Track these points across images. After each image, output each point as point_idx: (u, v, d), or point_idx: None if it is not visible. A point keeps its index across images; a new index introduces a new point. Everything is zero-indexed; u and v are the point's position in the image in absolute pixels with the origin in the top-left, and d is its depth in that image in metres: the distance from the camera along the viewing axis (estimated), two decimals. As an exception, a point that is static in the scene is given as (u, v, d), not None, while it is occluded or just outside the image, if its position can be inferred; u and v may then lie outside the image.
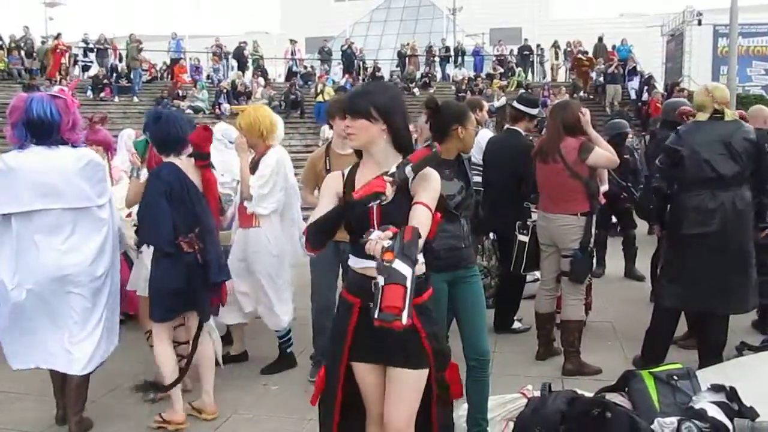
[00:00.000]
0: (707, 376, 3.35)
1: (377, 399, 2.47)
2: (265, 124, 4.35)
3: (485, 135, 5.53)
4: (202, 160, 3.63)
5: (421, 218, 2.27)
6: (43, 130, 3.24)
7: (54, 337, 3.38)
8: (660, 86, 20.98)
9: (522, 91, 18.68)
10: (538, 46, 25.26)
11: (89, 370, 3.49)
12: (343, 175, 2.50)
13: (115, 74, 21.16)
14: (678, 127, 4.39)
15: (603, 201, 5.24)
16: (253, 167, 4.35)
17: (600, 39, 23.53)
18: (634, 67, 20.86)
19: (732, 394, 3.00)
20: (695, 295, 4.20)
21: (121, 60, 21.86)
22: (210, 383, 3.83)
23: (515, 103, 5.26)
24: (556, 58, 24.18)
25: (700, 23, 23.61)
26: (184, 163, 3.62)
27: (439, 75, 24.72)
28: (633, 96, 20.49)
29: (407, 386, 2.39)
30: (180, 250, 3.51)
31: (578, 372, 4.39)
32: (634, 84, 20.65)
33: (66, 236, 3.31)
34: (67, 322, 3.38)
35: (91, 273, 3.40)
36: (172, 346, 3.75)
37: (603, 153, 4.28)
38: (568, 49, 23.71)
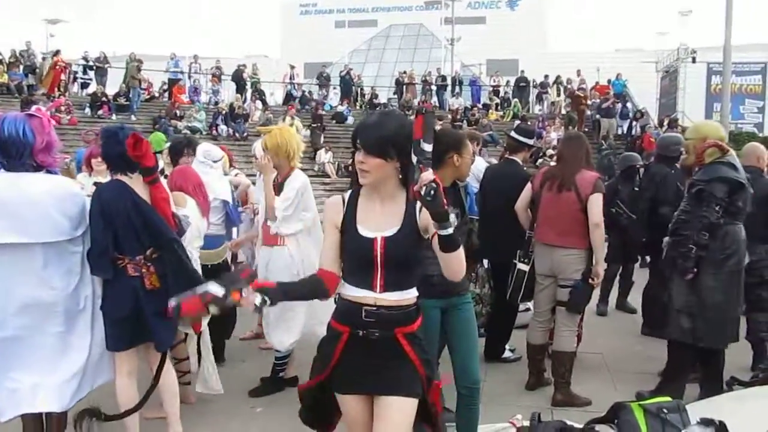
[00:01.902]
0: (697, 410, 3.34)
1: (364, 426, 2.45)
2: (292, 146, 4.37)
3: (480, 164, 5.58)
4: (147, 174, 3.34)
5: None
6: (14, 151, 3.02)
7: (34, 374, 3.10)
8: (654, 121, 21.21)
9: (518, 122, 18.86)
10: (547, 77, 25.16)
11: (73, 404, 3.25)
12: (343, 202, 2.45)
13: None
14: (726, 160, 4.24)
15: None
16: (278, 189, 4.37)
17: (578, 72, 23.94)
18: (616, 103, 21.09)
19: (721, 428, 2.98)
20: (735, 328, 4.32)
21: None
22: (175, 415, 3.61)
23: (513, 134, 5.30)
24: (558, 94, 24.12)
25: (694, 61, 24.05)
26: (135, 180, 3.35)
27: (435, 103, 24.90)
28: (619, 132, 20.69)
29: (400, 414, 2.36)
30: (125, 275, 3.29)
31: (568, 403, 4.37)
32: (620, 121, 20.90)
33: (39, 268, 3.07)
34: (46, 354, 3.13)
35: (70, 301, 3.18)
36: (133, 378, 3.46)
37: (599, 217, 4.30)
38: (570, 86, 23.77)
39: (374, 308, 2.34)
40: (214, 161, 5.02)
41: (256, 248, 4.89)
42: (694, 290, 4.28)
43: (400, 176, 2.35)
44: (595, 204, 4.28)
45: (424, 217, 2.31)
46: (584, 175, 4.35)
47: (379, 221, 2.36)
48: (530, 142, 5.25)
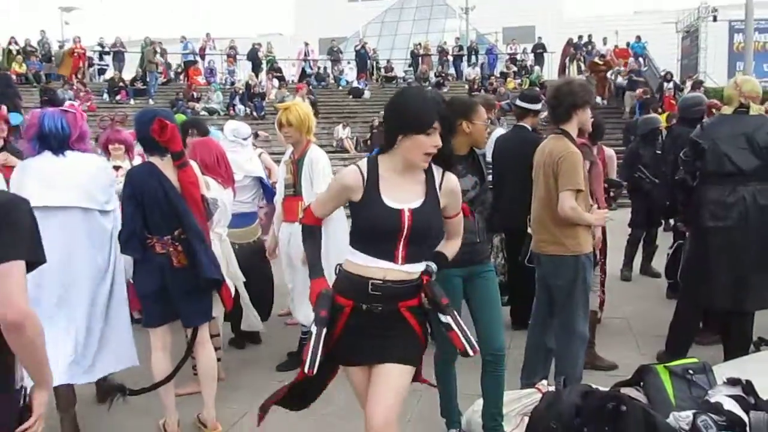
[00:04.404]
0: (723, 371, 3.34)
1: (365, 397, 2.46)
2: (312, 119, 4.42)
3: (498, 134, 5.54)
4: (176, 159, 3.45)
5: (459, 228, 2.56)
6: (54, 142, 3.41)
7: (66, 344, 3.31)
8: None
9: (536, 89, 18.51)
10: (581, 37, 24.07)
11: (97, 377, 3.48)
12: (362, 174, 2.40)
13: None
14: (703, 120, 4.37)
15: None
16: (296, 164, 4.40)
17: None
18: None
19: (748, 387, 2.98)
20: (714, 291, 4.19)
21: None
22: (211, 396, 3.66)
23: (517, 101, 5.32)
24: (579, 72, 22.36)
25: (715, 19, 23.45)
26: (165, 163, 3.46)
27: (452, 73, 24.60)
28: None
29: (398, 381, 2.38)
30: (153, 252, 3.41)
31: (591, 365, 4.39)
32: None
33: (74, 237, 3.35)
34: (77, 326, 3.36)
35: (98, 277, 3.40)
36: (167, 353, 3.56)
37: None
38: (581, 53, 23.05)
39: (381, 282, 2.34)
40: (244, 138, 4.98)
41: (274, 225, 4.89)
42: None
43: None
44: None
45: (444, 195, 2.42)
46: None
47: (403, 193, 2.36)
48: (535, 107, 5.21)
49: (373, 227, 2.37)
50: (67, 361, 3.30)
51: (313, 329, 2.35)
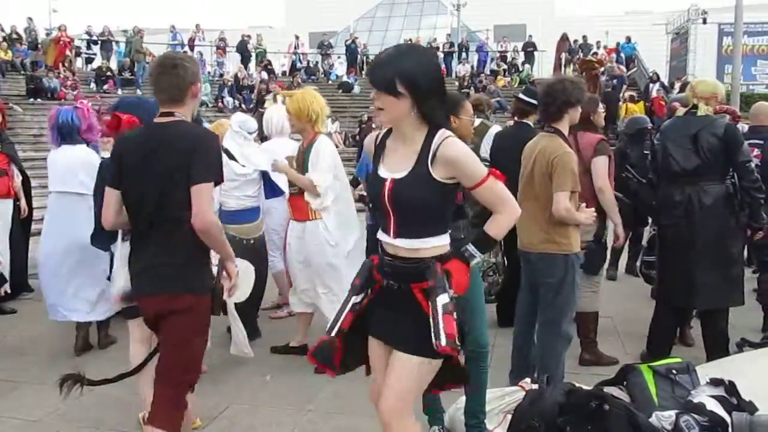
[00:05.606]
0: (707, 371, 3.34)
1: (382, 370, 2.42)
2: (314, 109, 4.28)
3: (495, 130, 5.48)
4: None
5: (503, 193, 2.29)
6: (67, 132, 4.48)
7: (75, 292, 4.46)
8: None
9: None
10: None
11: (105, 316, 4.57)
12: (376, 140, 2.43)
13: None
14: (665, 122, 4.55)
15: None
16: (303, 155, 4.33)
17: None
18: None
19: (731, 388, 2.98)
20: (670, 289, 4.31)
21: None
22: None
23: (522, 96, 5.19)
24: (573, 70, 22.50)
25: (705, 22, 23.62)
26: None
27: (443, 70, 24.55)
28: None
29: (405, 370, 2.29)
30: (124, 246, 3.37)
31: (595, 362, 4.45)
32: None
33: (76, 213, 4.30)
34: (82, 278, 4.39)
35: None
36: (146, 345, 3.44)
37: (603, 181, 4.23)
38: (578, 57, 23.04)
39: (391, 259, 2.33)
40: (249, 132, 4.86)
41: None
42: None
43: (416, 114, 2.22)
44: (598, 167, 4.22)
45: (440, 164, 2.21)
46: (586, 137, 4.29)
47: (396, 162, 2.29)
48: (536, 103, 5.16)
49: (369, 194, 2.44)
50: (89, 305, 4.52)
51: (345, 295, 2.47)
